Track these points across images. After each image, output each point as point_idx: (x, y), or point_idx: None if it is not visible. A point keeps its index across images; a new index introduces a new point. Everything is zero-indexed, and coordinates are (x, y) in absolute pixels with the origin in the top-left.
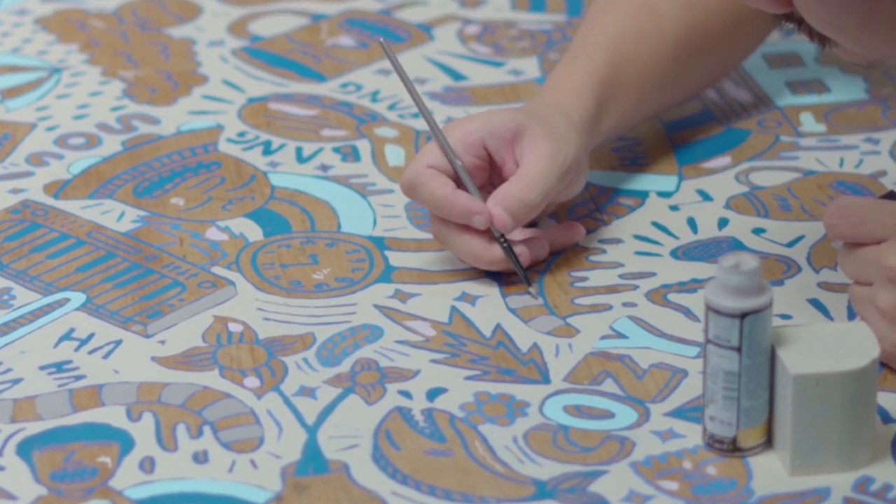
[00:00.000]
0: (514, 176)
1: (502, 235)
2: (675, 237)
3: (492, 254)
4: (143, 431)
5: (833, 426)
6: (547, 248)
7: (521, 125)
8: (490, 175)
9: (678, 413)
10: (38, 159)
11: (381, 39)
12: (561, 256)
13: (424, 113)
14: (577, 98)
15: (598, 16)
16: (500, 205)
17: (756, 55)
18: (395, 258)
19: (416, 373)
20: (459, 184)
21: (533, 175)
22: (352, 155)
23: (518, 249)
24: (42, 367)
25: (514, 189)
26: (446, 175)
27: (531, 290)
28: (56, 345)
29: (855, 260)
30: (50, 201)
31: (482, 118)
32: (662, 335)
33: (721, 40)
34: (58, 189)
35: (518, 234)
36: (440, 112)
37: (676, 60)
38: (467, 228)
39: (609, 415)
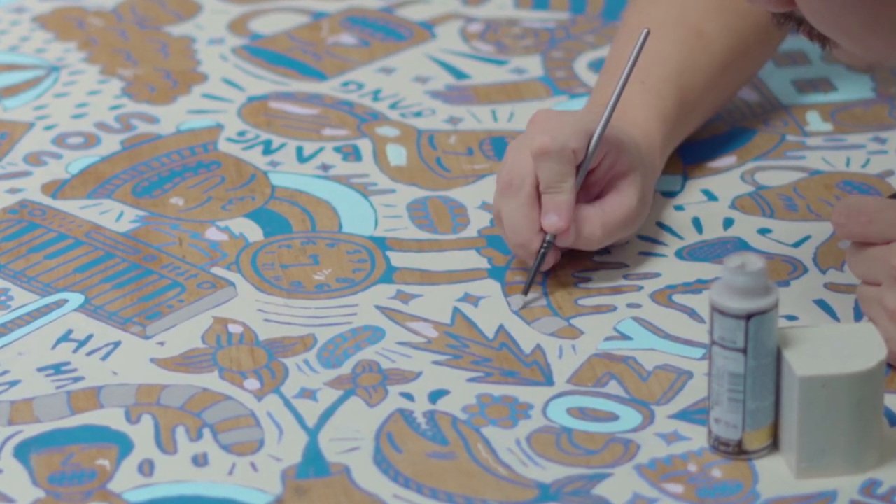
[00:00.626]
0: (599, 205)
1: (549, 241)
2: (680, 237)
3: (531, 241)
4: (142, 434)
5: (840, 428)
6: (558, 257)
7: (634, 167)
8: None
9: (683, 415)
10: (36, 159)
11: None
12: (564, 257)
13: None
14: (658, 154)
15: (652, 41)
16: (577, 221)
17: None
18: (397, 258)
19: (418, 374)
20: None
21: (615, 220)
22: (353, 154)
23: (549, 259)
24: (40, 369)
25: (596, 221)
26: (576, 164)
27: (520, 300)
28: (54, 346)
29: (863, 260)
30: (48, 201)
31: (613, 138)
32: (667, 336)
33: (756, 52)
34: (56, 189)
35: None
36: (442, 111)
37: (723, 84)
38: (534, 205)
39: (613, 417)
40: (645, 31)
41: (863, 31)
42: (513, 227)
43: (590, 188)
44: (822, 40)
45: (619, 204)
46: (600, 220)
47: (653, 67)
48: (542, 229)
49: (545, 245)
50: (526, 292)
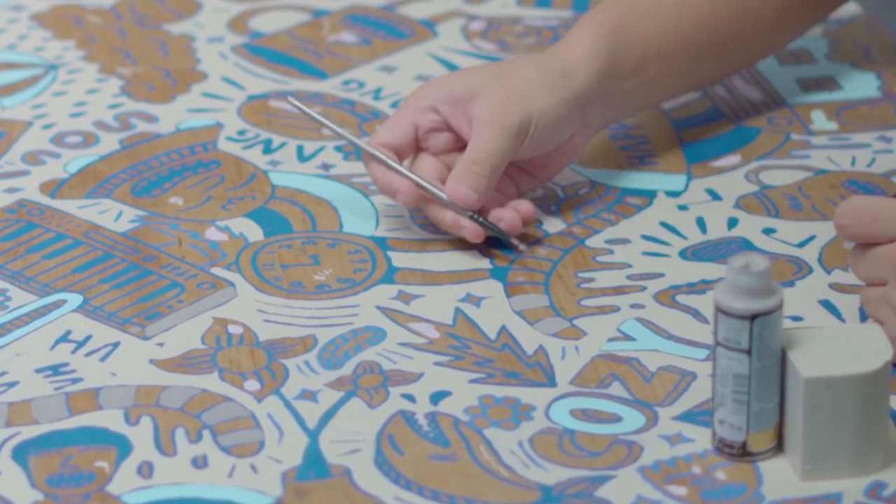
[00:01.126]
0: (466, 148)
1: (473, 212)
2: (684, 237)
3: (466, 226)
4: (141, 435)
5: (845, 430)
6: (516, 197)
7: (474, 89)
8: (457, 140)
9: (687, 417)
10: (34, 158)
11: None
12: (567, 257)
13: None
14: (579, 45)
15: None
16: (455, 181)
17: None
18: (398, 259)
19: (420, 376)
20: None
21: (480, 144)
22: (354, 154)
23: (505, 214)
24: (38, 370)
25: (465, 163)
26: (395, 151)
27: (521, 245)
28: (52, 347)
29: (867, 260)
30: (46, 201)
31: (440, 83)
32: (671, 337)
33: (777, 22)
34: (54, 188)
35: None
36: None
37: (714, 26)
38: (439, 206)
39: (616, 418)
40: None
41: None
42: (444, 224)
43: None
44: None
45: (476, 131)
46: (471, 157)
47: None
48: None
49: (477, 218)
50: (517, 245)
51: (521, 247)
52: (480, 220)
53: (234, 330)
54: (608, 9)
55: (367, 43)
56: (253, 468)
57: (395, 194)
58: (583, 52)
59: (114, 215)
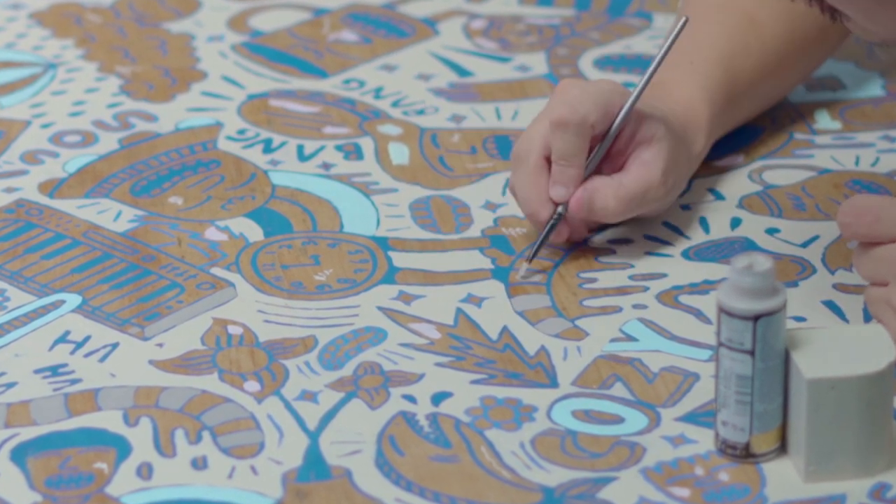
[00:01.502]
0: (617, 177)
1: (560, 213)
2: (687, 237)
3: (540, 211)
4: (140, 437)
5: (849, 431)
6: (584, 234)
7: (657, 136)
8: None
9: (690, 418)
10: (32, 157)
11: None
12: (569, 257)
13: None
14: (700, 132)
15: (702, 24)
16: (590, 192)
17: None
18: (399, 259)
19: (421, 376)
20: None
21: (632, 192)
22: (354, 153)
23: (561, 228)
24: (37, 371)
25: (610, 192)
26: (592, 137)
27: (523, 267)
28: (51, 348)
29: (870, 260)
30: (45, 200)
31: (596, 94)
32: (673, 338)
33: (819, 41)
34: (53, 188)
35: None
36: (446, 109)
37: (776, 73)
38: (544, 174)
39: (619, 420)
40: (684, 18)
41: (871, 4)
42: (522, 196)
43: (613, 159)
44: (833, 14)
45: (637, 175)
46: (614, 192)
47: (702, 49)
48: (553, 200)
49: (556, 216)
50: (530, 260)
51: (523, 270)
52: (556, 220)
53: (234, 330)
54: (716, 59)
55: (367, 41)
56: (253, 469)
57: (557, 185)
58: (706, 122)
59: (113, 215)
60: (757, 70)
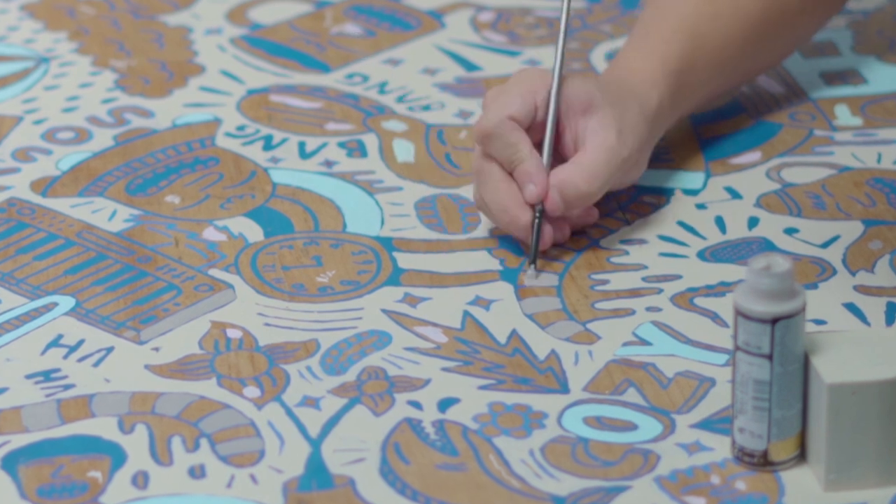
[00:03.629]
0: (574, 160)
1: (541, 210)
2: (703, 237)
3: (519, 214)
4: (135, 444)
5: (870, 438)
6: (568, 233)
7: (595, 102)
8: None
9: (705, 424)
10: (24, 155)
11: None
12: (581, 258)
13: (561, 53)
14: (652, 88)
15: None
16: (557, 187)
17: None
18: (404, 260)
19: (427, 382)
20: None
21: (595, 165)
22: (358, 150)
23: (545, 229)
24: (28, 376)
25: (574, 177)
26: (524, 129)
27: (531, 271)
28: (43, 352)
29: None
30: (37, 199)
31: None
32: (689, 342)
33: (800, 14)
34: (45, 186)
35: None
36: (452, 105)
37: (751, 41)
38: (511, 181)
39: (632, 426)
40: None
41: None
42: (497, 207)
43: (565, 149)
44: None
45: (592, 146)
46: (578, 174)
47: (665, 14)
48: (529, 202)
49: (538, 214)
50: (534, 263)
51: (530, 272)
52: (539, 219)
53: (234, 334)
54: (669, 37)
55: (371, 34)
56: (253, 478)
57: (529, 185)
58: (660, 77)
59: (108, 214)
60: (728, 36)
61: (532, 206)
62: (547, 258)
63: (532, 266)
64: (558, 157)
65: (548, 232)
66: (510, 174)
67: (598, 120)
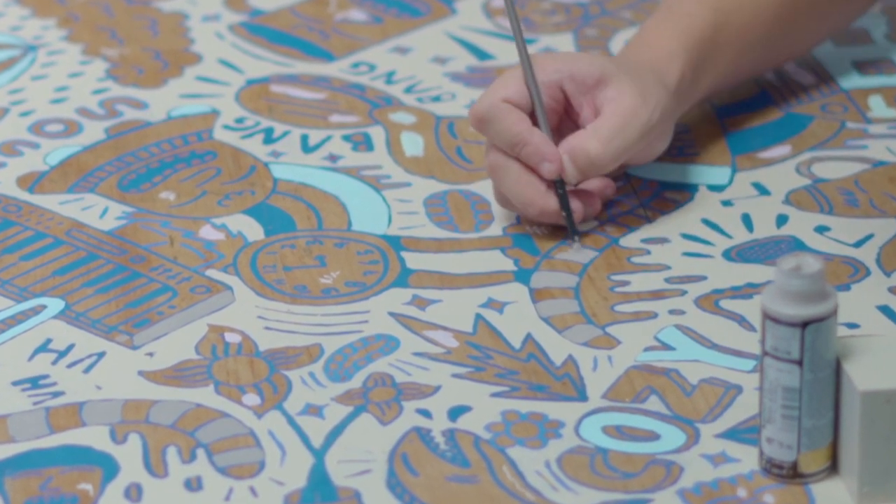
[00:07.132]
0: (590, 125)
1: (562, 183)
2: (728, 236)
3: (546, 203)
4: (128, 455)
5: None
6: (598, 205)
7: (607, 73)
8: (561, 120)
9: (731, 434)
10: (10, 148)
11: None
12: (600, 258)
13: (519, 38)
14: (672, 60)
15: None
16: (567, 154)
17: None
18: (413, 260)
19: (437, 389)
20: (534, 120)
21: (610, 129)
22: (364, 143)
23: (573, 206)
24: (15, 383)
25: (586, 142)
26: (522, 111)
27: (575, 243)
28: (31, 357)
29: None
30: (24, 196)
31: (565, 58)
32: (714, 347)
33: (832, 1)
34: (33, 182)
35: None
36: (464, 95)
37: (779, 24)
38: (528, 170)
39: (654, 436)
40: None
41: None
42: (521, 199)
43: (579, 118)
44: None
45: (610, 112)
46: (589, 137)
47: None
48: (548, 184)
49: (561, 190)
50: (574, 237)
51: (575, 246)
52: (563, 193)
53: (232, 338)
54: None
55: (378, 21)
56: (252, 491)
57: (543, 162)
58: (680, 51)
59: (99, 212)
60: (755, 16)
61: (554, 186)
62: (565, 257)
63: (574, 239)
64: None
65: (578, 209)
66: (521, 163)
67: (615, 87)
